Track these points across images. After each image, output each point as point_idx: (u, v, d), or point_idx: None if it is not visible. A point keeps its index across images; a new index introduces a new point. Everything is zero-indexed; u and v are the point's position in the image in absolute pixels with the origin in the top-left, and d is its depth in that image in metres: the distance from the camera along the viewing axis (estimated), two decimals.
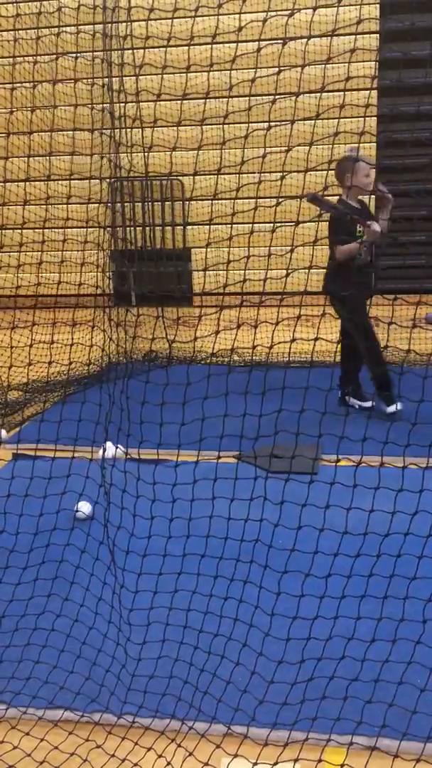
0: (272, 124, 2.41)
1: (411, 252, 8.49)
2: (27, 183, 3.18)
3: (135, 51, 5.25)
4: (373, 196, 5.19)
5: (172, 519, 2.48)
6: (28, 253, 3.06)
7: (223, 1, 2.27)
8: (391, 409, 4.64)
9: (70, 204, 3.08)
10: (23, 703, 2.40)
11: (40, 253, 2.90)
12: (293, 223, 2.64)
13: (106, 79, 3.62)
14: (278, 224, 4.19)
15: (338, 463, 2.33)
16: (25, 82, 2.82)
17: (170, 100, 7.27)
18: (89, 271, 3.04)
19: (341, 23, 6.76)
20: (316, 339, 2.50)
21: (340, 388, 5.03)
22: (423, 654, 2.30)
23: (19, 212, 2.87)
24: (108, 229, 6.14)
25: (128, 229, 8.53)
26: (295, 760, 2.13)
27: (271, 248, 2.54)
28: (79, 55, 3.17)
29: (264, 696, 2.32)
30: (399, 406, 4.63)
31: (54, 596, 2.74)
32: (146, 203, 8.81)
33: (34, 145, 2.95)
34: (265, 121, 2.42)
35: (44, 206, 3.11)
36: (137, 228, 8.69)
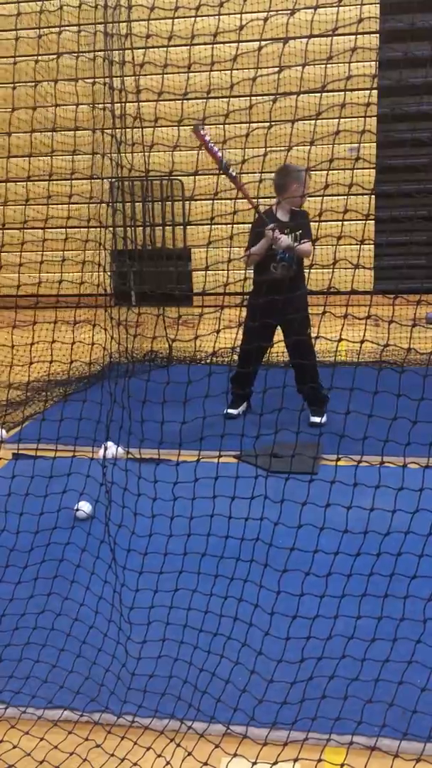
0: (273, 123, 2.41)
1: (411, 252, 8.49)
2: (28, 182, 3.18)
3: (136, 50, 5.24)
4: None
5: (172, 517, 2.48)
6: (29, 252, 3.06)
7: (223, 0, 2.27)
8: None
9: (72, 204, 3.07)
10: (23, 703, 2.40)
11: (41, 252, 2.89)
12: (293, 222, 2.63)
13: (107, 78, 3.61)
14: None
15: (338, 462, 2.33)
16: (27, 82, 2.81)
17: (171, 100, 7.26)
18: (90, 270, 3.04)
19: (342, 22, 6.74)
20: (317, 338, 2.50)
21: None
22: (423, 653, 2.30)
23: (20, 211, 2.86)
24: (109, 228, 6.14)
25: (128, 228, 8.53)
26: (295, 760, 2.13)
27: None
28: (80, 53, 3.17)
29: (263, 695, 2.32)
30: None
31: (54, 595, 2.74)
32: (146, 203, 8.81)
33: (35, 143, 2.95)
34: (266, 121, 2.42)
35: (45, 205, 3.11)
36: (137, 227, 8.69)
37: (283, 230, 4.59)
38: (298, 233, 4.64)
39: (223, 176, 4.66)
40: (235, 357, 5.07)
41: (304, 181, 4.56)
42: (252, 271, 4.85)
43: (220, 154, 4.47)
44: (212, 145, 4.46)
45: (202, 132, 4.44)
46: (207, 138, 4.42)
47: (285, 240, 4.52)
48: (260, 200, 4.83)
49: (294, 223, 4.62)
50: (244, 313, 4.77)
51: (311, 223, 4.77)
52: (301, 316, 4.50)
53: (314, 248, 4.37)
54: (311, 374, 4.68)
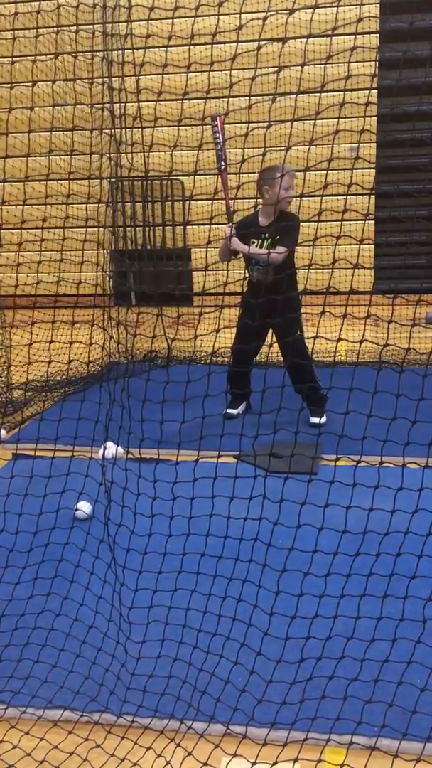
0: (272, 123, 2.41)
1: (411, 252, 8.49)
2: (26, 182, 3.18)
3: (135, 50, 5.24)
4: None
5: (172, 517, 2.48)
6: (27, 253, 3.06)
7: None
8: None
9: (70, 203, 3.07)
10: (23, 703, 2.40)
11: (39, 252, 2.90)
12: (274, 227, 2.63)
13: (107, 78, 3.61)
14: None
15: (337, 462, 2.33)
16: (26, 82, 2.81)
17: (171, 100, 7.27)
18: (89, 270, 3.04)
19: (341, 22, 6.75)
20: (315, 337, 2.50)
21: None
22: (423, 653, 2.30)
23: (19, 210, 2.86)
24: (108, 228, 6.14)
25: (128, 228, 8.53)
26: (295, 760, 2.12)
27: None
28: (79, 53, 3.17)
29: (263, 695, 2.31)
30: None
31: (53, 595, 2.74)
32: (146, 203, 8.80)
33: (34, 144, 2.96)
34: (266, 121, 2.41)
35: (44, 206, 3.11)
36: (137, 227, 8.69)
37: (259, 235, 4.54)
38: (276, 238, 4.49)
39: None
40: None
41: (278, 183, 4.34)
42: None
43: (220, 145, 4.47)
44: (219, 136, 4.45)
45: (214, 123, 4.44)
46: (216, 129, 4.43)
47: (242, 247, 4.49)
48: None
49: (273, 228, 4.48)
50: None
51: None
52: (291, 317, 4.47)
53: (289, 251, 4.31)
54: (309, 375, 4.67)
